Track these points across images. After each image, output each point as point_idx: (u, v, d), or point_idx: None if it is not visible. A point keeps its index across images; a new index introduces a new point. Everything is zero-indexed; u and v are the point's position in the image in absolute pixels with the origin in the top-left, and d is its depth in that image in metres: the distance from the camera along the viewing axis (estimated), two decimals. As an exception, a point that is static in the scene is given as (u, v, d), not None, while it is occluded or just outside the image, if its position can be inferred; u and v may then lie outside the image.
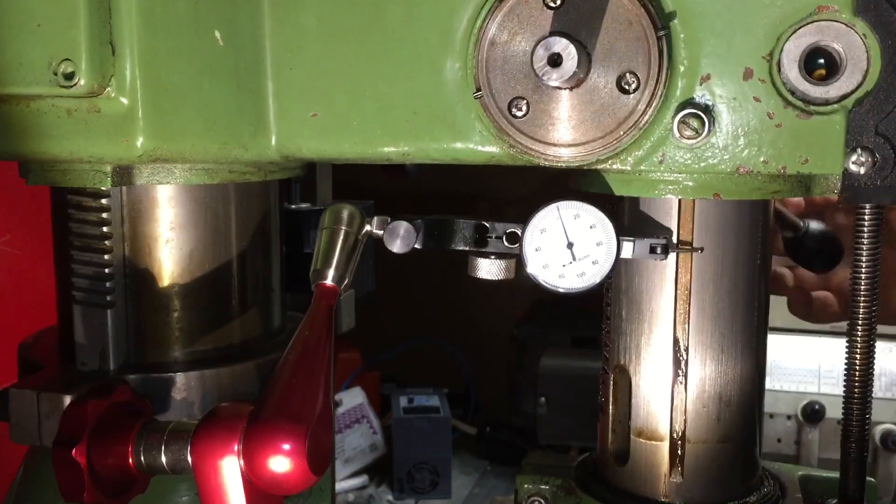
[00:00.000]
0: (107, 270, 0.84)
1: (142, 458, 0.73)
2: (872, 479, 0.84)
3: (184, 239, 0.87)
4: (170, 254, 0.87)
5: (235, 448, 0.68)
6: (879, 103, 0.69)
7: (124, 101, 0.75)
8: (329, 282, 0.77)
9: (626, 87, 0.71)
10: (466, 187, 2.36)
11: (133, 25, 0.74)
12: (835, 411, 1.80)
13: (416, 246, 0.79)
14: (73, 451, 0.72)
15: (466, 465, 2.25)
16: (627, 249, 0.76)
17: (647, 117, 0.71)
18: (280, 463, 0.67)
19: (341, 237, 0.78)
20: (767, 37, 0.70)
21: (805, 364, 1.89)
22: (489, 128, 0.75)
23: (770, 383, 1.84)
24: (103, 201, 0.84)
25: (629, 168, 0.74)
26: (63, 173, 0.82)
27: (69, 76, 0.72)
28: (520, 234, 0.77)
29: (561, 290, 0.76)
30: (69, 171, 0.81)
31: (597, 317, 0.89)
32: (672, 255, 0.80)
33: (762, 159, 0.72)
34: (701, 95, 0.72)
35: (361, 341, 2.34)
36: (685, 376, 0.81)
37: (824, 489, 0.88)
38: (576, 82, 0.71)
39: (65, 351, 0.89)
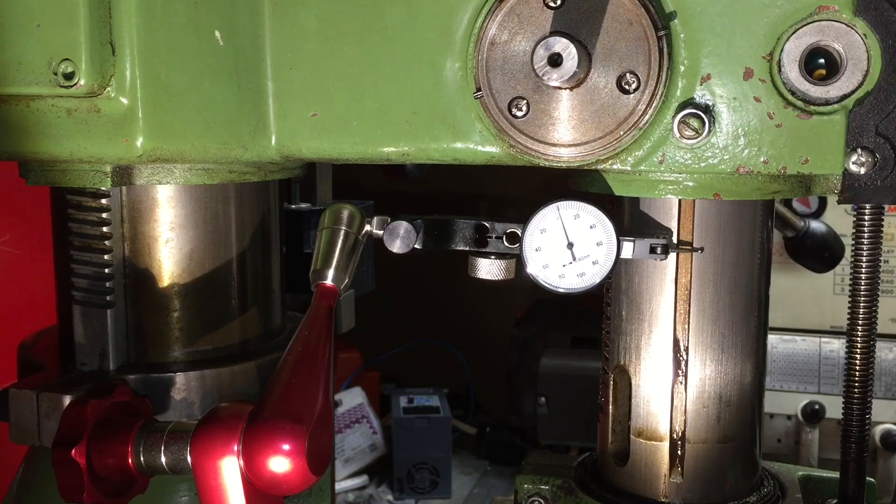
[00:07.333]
0: (107, 270, 0.84)
1: (141, 459, 0.73)
2: (872, 479, 0.84)
3: (184, 239, 0.87)
4: (170, 254, 0.87)
5: (235, 448, 0.68)
6: (880, 103, 0.69)
7: (124, 101, 0.75)
8: (329, 282, 0.77)
9: (627, 87, 0.71)
10: (466, 187, 2.36)
11: (133, 25, 0.74)
12: (835, 411, 1.80)
13: (416, 246, 0.79)
14: (73, 451, 0.72)
15: (466, 465, 2.25)
16: (627, 249, 0.76)
17: (647, 117, 0.71)
18: (280, 463, 0.67)
19: (341, 237, 0.78)
20: (768, 37, 0.70)
21: (805, 364, 1.89)
22: (489, 128, 0.75)
23: (770, 383, 1.84)
24: (103, 201, 0.84)
25: (629, 168, 0.74)
26: (63, 173, 0.82)
27: (69, 76, 0.72)
28: (520, 234, 0.76)
29: (561, 290, 0.76)
30: (69, 171, 0.81)
31: (597, 317, 0.89)
32: (672, 255, 0.80)
33: (762, 159, 0.72)
34: (701, 95, 0.72)
35: (361, 341, 2.34)
36: (685, 376, 0.81)
37: (824, 489, 0.88)
38: (576, 82, 0.71)
39: (65, 351, 0.89)
